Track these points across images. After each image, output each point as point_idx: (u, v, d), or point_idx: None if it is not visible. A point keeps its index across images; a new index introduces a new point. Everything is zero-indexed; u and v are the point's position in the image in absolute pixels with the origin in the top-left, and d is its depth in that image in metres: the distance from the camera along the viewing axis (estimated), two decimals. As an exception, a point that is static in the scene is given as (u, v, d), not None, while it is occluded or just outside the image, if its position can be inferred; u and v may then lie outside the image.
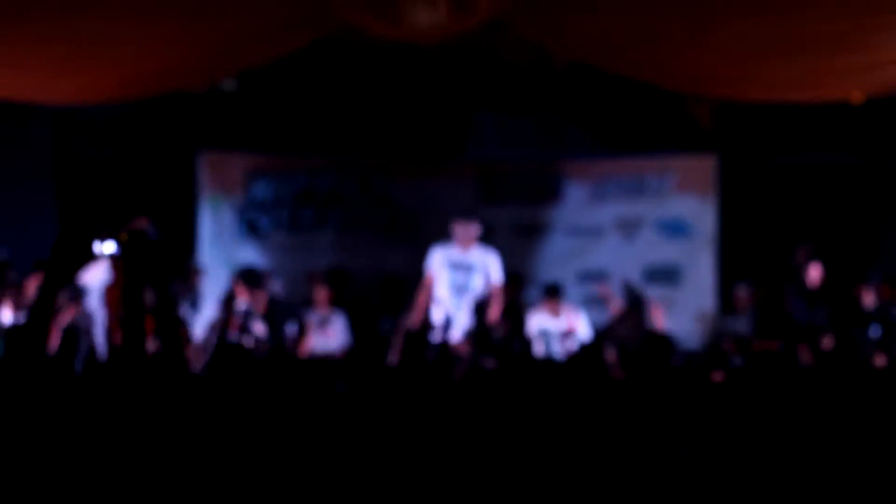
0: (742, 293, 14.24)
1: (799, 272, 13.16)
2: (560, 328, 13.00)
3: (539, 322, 13.12)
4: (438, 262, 12.70)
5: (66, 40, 11.20)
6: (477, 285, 12.70)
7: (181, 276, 13.64)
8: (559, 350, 12.92)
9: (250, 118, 15.47)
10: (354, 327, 13.59)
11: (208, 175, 15.23)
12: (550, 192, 15.44)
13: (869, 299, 12.28)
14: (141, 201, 14.83)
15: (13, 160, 14.92)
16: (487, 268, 12.76)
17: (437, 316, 12.51)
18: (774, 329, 12.97)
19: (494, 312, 12.63)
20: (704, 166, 15.04)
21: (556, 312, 13.13)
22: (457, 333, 12.52)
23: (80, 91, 11.77)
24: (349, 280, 14.62)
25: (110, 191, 15.24)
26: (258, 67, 11.58)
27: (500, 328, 12.51)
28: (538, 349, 12.95)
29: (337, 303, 13.75)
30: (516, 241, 15.31)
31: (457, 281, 12.66)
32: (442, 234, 13.77)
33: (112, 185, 15.34)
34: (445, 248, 12.74)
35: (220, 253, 14.96)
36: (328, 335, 13.33)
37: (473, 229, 12.73)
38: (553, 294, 13.43)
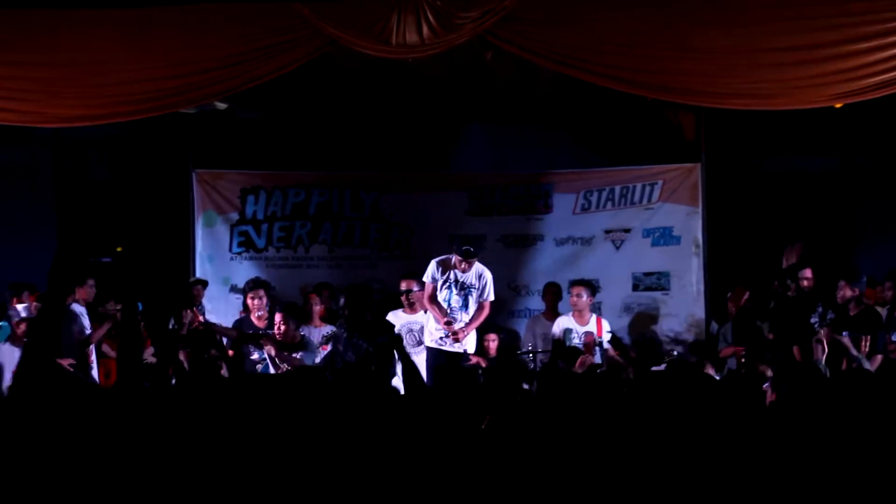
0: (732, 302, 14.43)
1: (791, 274, 13.29)
2: (584, 329, 13.06)
3: (565, 323, 13.17)
4: (438, 278, 12.81)
5: (58, 65, 11.39)
6: (472, 304, 12.84)
7: (182, 292, 13.75)
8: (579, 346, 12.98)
9: (243, 136, 15.61)
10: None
11: (202, 193, 15.35)
12: (540, 203, 15.57)
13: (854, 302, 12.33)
14: (137, 220, 15.03)
15: (14, 183, 15.07)
16: (484, 287, 12.87)
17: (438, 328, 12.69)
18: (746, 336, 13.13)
19: (472, 326, 12.77)
20: (690, 175, 15.17)
21: (583, 320, 13.20)
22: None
23: (71, 113, 11.88)
24: (340, 294, 14.75)
25: (108, 210, 15.42)
26: (250, 87, 11.68)
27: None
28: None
29: (329, 317, 13.82)
30: (506, 251, 15.47)
31: (454, 300, 12.76)
32: (433, 247, 13.95)
33: (109, 205, 15.51)
34: (445, 266, 12.84)
35: (215, 269, 15.09)
36: (322, 349, 13.36)
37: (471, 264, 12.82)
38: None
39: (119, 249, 11.99)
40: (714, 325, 14.73)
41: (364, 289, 12.34)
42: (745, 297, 13.77)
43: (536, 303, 15.11)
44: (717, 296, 14.89)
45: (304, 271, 15.31)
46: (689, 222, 15.16)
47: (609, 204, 15.42)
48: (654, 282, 15.29)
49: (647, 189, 15.27)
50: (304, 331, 12.51)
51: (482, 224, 15.50)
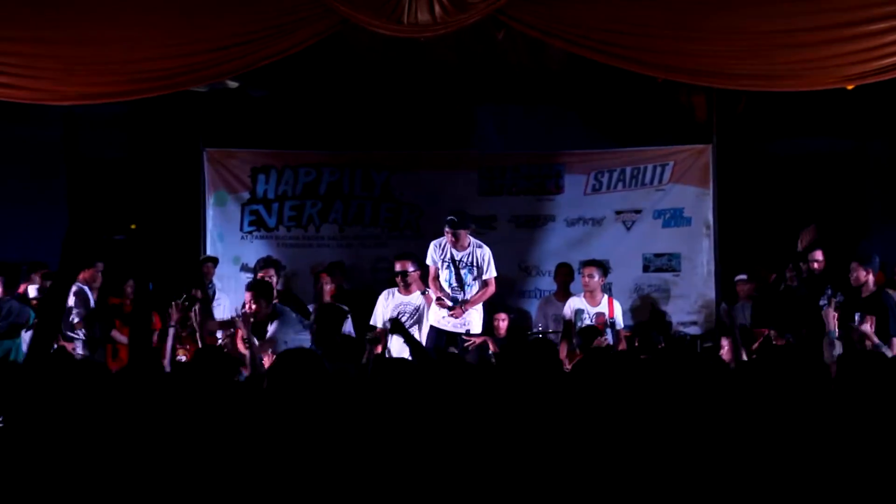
0: (743, 284, 14.44)
1: (803, 257, 13.29)
2: (595, 310, 13.02)
3: (576, 304, 13.13)
4: (437, 259, 12.80)
5: (72, 44, 11.39)
6: (472, 282, 12.83)
7: (192, 270, 13.75)
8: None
9: (254, 115, 15.61)
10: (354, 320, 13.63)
11: (213, 172, 15.36)
12: (550, 184, 15.57)
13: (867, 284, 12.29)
14: (148, 199, 15.03)
15: (26, 160, 15.08)
16: (482, 264, 12.85)
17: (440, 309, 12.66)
18: (771, 316, 13.07)
19: (471, 304, 12.76)
20: (701, 156, 15.16)
21: (594, 301, 13.16)
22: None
23: (85, 91, 11.89)
24: (350, 273, 14.78)
25: (119, 189, 15.43)
26: (261, 65, 11.67)
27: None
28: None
29: (339, 296, 13.85)
30: (517, 231, 15.48)
31: (454, 279, 12.74)
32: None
33: (119, 184, 15.52)
34: (442, 246, 12.81)
35: (226, 248, 15.10)
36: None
37: (463, 235, 12.78)
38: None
39: (133, 227, 12.01)
40: (724, 306, 14.72)
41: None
42: (773, 277, 13.78)
43: (547, 283, 15.12)
44: (728, 277, 14.89)
45: (314, 250, 15.31)
46: (700, 203, 15.16)
47: (620, 185, 15.42)
48: (664, 263, 15.29)
49: (658, 170, 15.27)
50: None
51: (493, 204, 15.51)
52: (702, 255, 15.19)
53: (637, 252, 15.35)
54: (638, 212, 15.34)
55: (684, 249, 15.27)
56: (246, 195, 15.42)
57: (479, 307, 12.88)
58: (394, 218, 15.56)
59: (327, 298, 13.40)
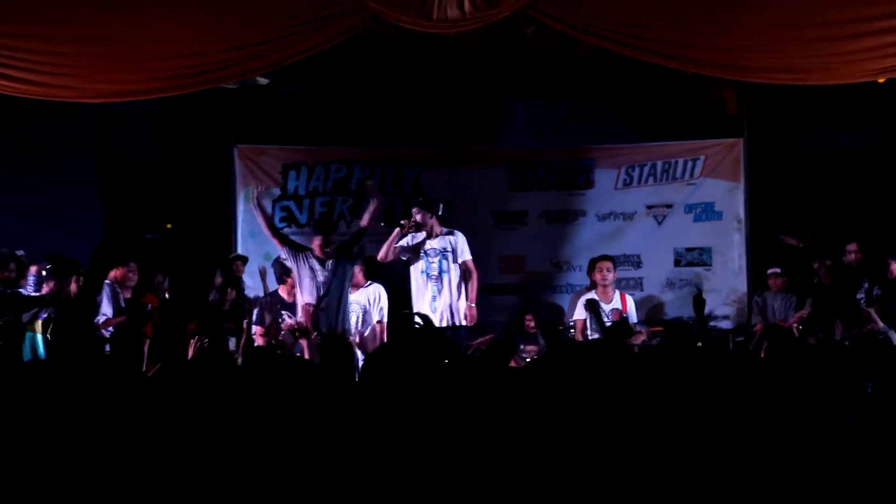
0: (776, 277, 14.43)
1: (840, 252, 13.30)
2: (610, 307, 13.05)
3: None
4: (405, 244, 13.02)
5: (101, 41, 11.42)
6: (452, 268, 12.89)
7: (223, 268, 13.74)
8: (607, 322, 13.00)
9: (285, 112, 15.63)
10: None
11: (244, 168, 15.37)
12: (581, 179, 15.55)
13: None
14: (179, 197, 15.08)
15: (58, 157, 15.14)
16: (456, 247, 12.95)
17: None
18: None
19: (473, 291, 12.82)
20: (732, 150, 15.13)
21: (607, 297, 13.19)
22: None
23: (115, 88, 11.93)
24: (381, 268, 14.80)
25: (149, 187, 15.48)
26: (291, 62, 11.69)
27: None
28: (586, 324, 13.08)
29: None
30: (548, 227, 15.47)
31: (432, 268, 12.81)
32: (474, 222, 13.96)
33: (151, 181, 15.58)
34: (412, 237, 13.00)
35: (257, 245, 15.10)
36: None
37: (434, 223, 12.93)
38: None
39: (169, 226, 12.05)
40: (757, 300, 14.71)
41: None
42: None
43: (578, 278, 15.10)
44: (759, 271, 14.87)
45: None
46: (731, 198, 15.14)
47: (651, 179, 15.39)
48: (696, 257, 15.27)
49: (689, 164, 15.24)
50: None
51: (523, 199, 15.51)
52: (733, 250, 15.16)
53: (668, 247, 15.32)
54: (669, 206, 15.32)
55: (716, 244, 15.24)
56: (277, 191, 15.42)
57: (463, 295, 12.91)
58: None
59: (360, 277, 13.48)
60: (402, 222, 12.96)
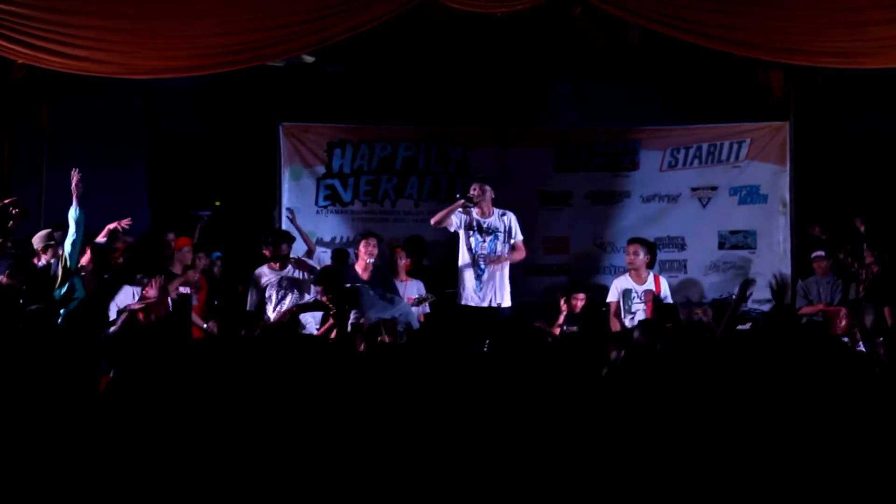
0: (820, 261, 14.37)
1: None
2: (644, 288, 13.03)
3: (623, 284, 13.15)
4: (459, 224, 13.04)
5: (151, 17, 11.49)
6: (501, 248, 12.92)
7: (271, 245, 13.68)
8: (641, 307, 12.99)
9: (330, 90, 15.64)
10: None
11: (289, 146, 15.36)
12: (626, 160, 15.50)
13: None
14: (225, 173, 15.14)
15: (106, 134, 15.22)
16: (510, 228, 12.99)
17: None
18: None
19: (512, 258, 12.93)
20: (778, 133, 15.04)
21: (640, 279, 13.17)
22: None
23: (161, 65, 12.00)
24: (426, 248, 14.80)
25: (196, 163, 15.55)
26: (338, 40, 11.71)
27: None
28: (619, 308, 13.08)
29: (414, 271, 13.99)
30: (592, 207, 15.44)
31: (482, 246, 12.84)
32: (519, 202, 13.95)
33: (197, 158, 15.65)
34: (467, 214, 13.03)
35: (301, 222, 15.08)
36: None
37: (490, 192, 12.96)
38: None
39: (218, 203, 12.07)
40: (800, 283, 14.66)
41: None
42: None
43: (622, 260, 14.99)
44: (804, 255, 14.80)
45: (389, 225, 15.27)
46: (777, 181, 15.05)
47: (696, 161, 15.32)
48: (740, 240, 15.20)
49: (735, 147, 15.17)
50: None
51: (569, 180, 15.46)
52: (778, 233, 15.08)
53: (713, 229, 15.24)
54: (714, 188, 15.25)
55: (760, 227, 15.16)
56: (321, 170, 15.41)
57: (507, 281, 12.97)
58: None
59: (402, 274, 13.50)
60: (469, 195, 12.93)
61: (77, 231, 11.08)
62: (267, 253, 13.04)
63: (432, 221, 13.04)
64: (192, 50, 11.79)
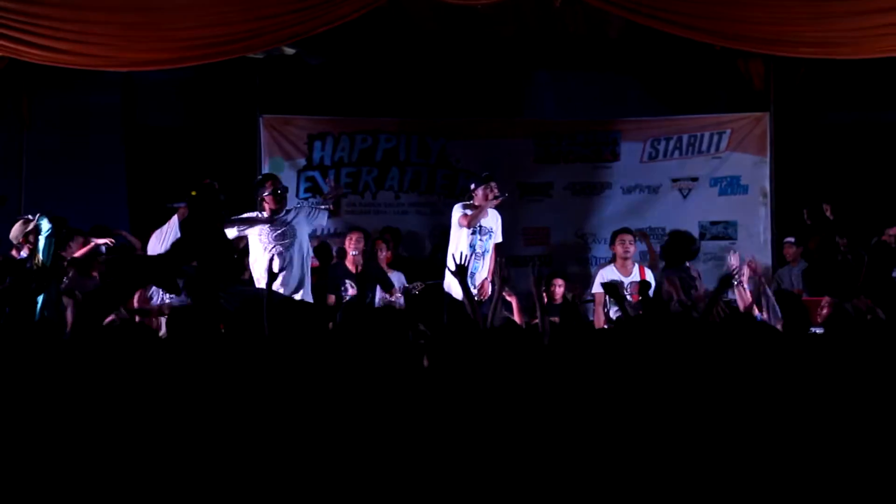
0: (790, 246, 14.48)
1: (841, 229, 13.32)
2: (630, 280, 13.00)
3: (609, 275, 13.11)
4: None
5: (127, 10, 11.46)
6: (489, 250, 12.89)
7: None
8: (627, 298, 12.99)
9: (310, 82, 15.64)
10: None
11: (270, 138, 15.36)
12: (607, 151, 15.52)
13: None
14: (205, 165, 15.11)
15: (83, 126, 15.19)
16: (497, 228, 12.98)
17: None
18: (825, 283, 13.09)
19: (489, 278, 12.75)
20: (758, 124, 15.09)
21: (626, 270, 13.15)
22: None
23: (140, 57, 11.97)
24: (404, 239, 14.82)
25: (176, 155, 15.51)
26: (319, 32, 11.70)
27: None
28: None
29: (395, 262, 13.97)
30: (573, 199, 15.46)
31: (478, 245, 12.79)
32: (500, 193, 13.93)
33: (177, 150, 15.61)
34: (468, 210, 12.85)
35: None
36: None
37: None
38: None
39: (193, 193, 12.03)
40: (777, 273, 14.72)
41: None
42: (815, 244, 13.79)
43: (603, 251, 15.08)
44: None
45: (370, 217, 15.28)
46: (757, 172, 15.10)
47: (677, 152, 15.36)
48: (720, 231, 15.25)
49: (716, 138, 15.21)
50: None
51: (549, 171, 15.49)
52: (758, 224, 15.13)
53: (693, 220, 15.26)
54: (694, 179, 15.29)
55: (741, 217, 15.21)
56: (302, 162, 15.42)
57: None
58: (450, 185, 15.52)
59: (384, 265, 13.49)
60: (498, 195, 12.78)
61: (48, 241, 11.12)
62: None
63: (467, 223, 12.78)
64: (172, 42, 11.74)
